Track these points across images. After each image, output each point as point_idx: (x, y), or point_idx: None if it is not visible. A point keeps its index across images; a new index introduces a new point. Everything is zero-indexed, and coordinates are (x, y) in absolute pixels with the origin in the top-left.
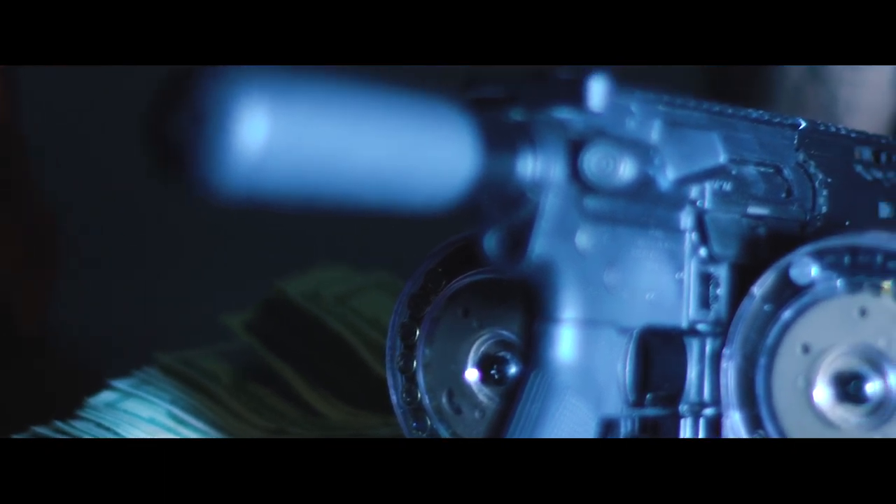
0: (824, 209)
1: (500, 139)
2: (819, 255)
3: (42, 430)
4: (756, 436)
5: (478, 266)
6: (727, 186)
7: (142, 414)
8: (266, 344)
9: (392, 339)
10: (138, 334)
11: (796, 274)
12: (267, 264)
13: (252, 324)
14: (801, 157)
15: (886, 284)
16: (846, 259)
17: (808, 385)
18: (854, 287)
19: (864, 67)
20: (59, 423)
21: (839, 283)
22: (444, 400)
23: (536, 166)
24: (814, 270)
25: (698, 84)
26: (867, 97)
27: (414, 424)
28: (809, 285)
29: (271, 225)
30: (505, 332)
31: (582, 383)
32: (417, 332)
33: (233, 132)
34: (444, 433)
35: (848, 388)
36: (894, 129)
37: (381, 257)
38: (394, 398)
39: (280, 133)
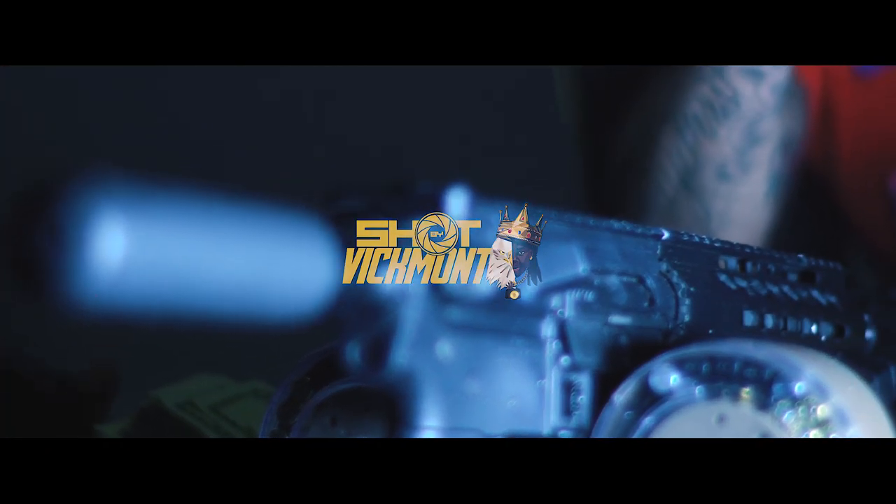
0: (687, 318)
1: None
2: (679, 363)
3: None
4: None
5: (344, 375)
6: (589, 296)
7: None
8: None
9: None
10: None
11: (656, 381)
12: (142, 374)
13: (127, 433)
14: (664, 266)
15: (745, 392)
16: (705, 367)
17: None
18: (713, 394)
19: (736, 181)
20: None
21: (698, 390)
22: None
23: (396, 278)
24: (673, 378)
25: (573, 197)
26: (741, 211)
27: None
28: (669, 393)
29: (147, 334)
30: None
31: None
32: None
33: (91, 250)
34: None
35: None
36: (768, 242)
37: (258, 366)
38: None
39: (138, 250)
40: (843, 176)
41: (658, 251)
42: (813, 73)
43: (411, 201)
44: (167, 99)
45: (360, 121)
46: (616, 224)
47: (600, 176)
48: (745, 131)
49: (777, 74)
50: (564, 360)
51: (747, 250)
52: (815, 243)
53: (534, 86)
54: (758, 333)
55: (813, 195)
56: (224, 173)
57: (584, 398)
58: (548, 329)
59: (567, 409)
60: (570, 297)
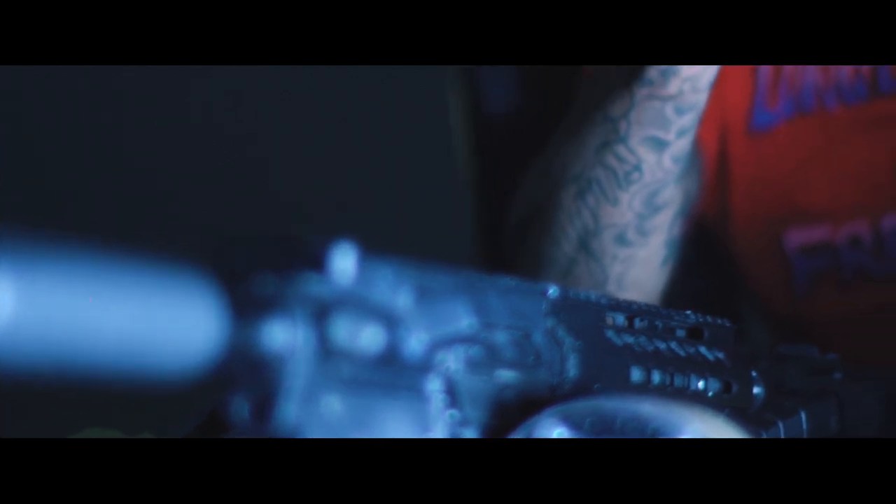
0: (573, 373)
1: (247, 308)
2: (563, 418)
3: None
4: None
5: (233, 430)
6: (476, 350)
7: None
8: None
9: None
10: None
11: (540, 436)
12: (34, 428)
13: None
14: (550, 322)
15: None
16: (588, 422)
17: None
18: None
19: (635, 246)
20: None
21: None
22: None
23: (283, 334)
24: (557, 433)
25: (472, 254)
26: (639, 275)
27: None
28: None
29: (37, 389)
30: None
31: None
32: None
33: None
34: None
35: None
36: (664, 302)
37: (150, 420)
38: None
39: (25, 307)
40: (738, 233)
41: (544, 307)
42: (709, 128)
43: (298, 257)
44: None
45: (248, 166)
46: (503, 279)
47: (497, 232)
48: (646, 199)
49: (681, 143)
50: (451, 414)
51: (634, 307)
52: (710, 300)
53: (429, 136)
54: (644, 389)
55: (708, 252)
56: (107, 228)
57: None
58: (435, 383)
59: None
60: (457, 352)
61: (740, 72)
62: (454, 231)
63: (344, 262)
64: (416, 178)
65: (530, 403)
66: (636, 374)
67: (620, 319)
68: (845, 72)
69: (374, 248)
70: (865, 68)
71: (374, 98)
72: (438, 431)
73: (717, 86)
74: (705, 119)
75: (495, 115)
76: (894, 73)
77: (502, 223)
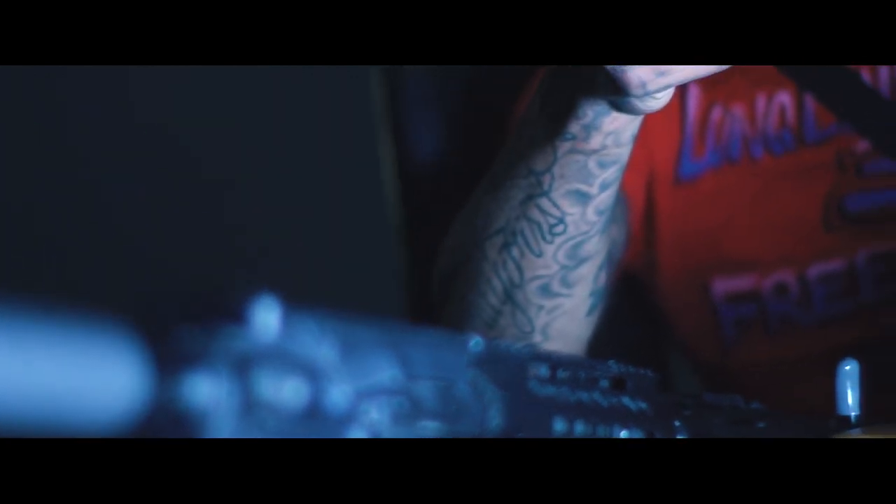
0: (494, 423)
1: (171, 363)
2: None
3: None
4: None
5: None
6: (399, 402)
7: None
8: None
9: None
10: None
11: None
12: None
13: None
14: (472, 373)
15: None
16: None
17: None
18: None
19: (560, 297)
20: None
21: None
22: None
23: (207, 388)
24: None
25: (399, 308)
26: (563, 324)
27: None
28: None
29: None
30: None
31: None
32: None
33: None
34: None
35: None
36: (591, 352)
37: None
38: None
39: None
40: (665, 281)
41: (467, 358)
42: (636, 178)
43: (221, 311)
44: None
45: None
46: (426, 331)
47: (424, 282)
48: (570, 251)
49: (604, 196)
50: None
51: (555, 358)
52: (639, 349)
53: (356, 185)
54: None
55: (636, 301)
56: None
57: None
58: (359, 434)
59: None
60: (381, 403)
61: (667, 122)
62: (381, 280)
63: (267, 316)
64: (344, 227)
65: None
66: (559, 425)
67: (543, 370)
68: (771, 122)
69: (300, 297)
70: (791, 118)
71: (303, 144)
72: None
73: (644, 136)
74: (632, 169)
75: (422, 166)
76: (819, 123)
77: (429, 273)
